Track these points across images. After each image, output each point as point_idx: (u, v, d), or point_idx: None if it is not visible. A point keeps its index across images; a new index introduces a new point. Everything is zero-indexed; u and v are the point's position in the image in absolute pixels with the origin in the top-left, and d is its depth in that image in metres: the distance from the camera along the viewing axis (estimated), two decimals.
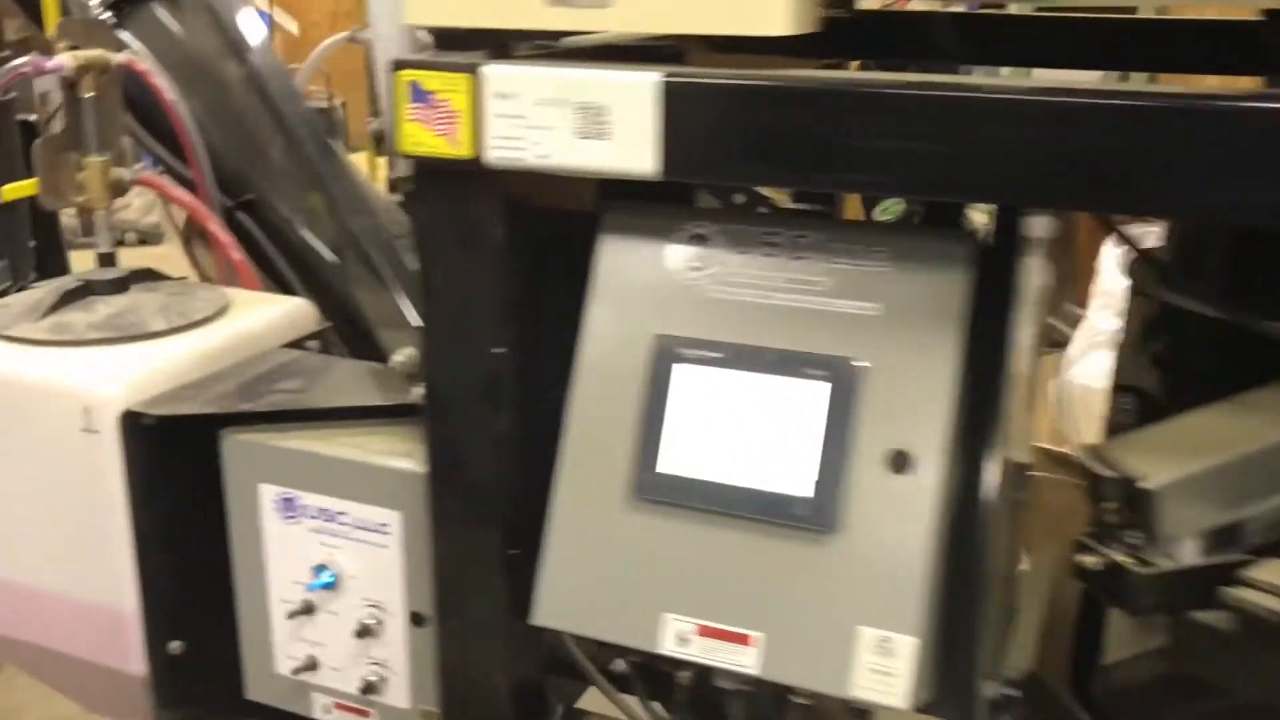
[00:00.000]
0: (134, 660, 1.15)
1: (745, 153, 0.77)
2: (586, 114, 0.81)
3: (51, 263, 2.81)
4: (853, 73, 0.74)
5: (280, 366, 1.21)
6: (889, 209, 4.26)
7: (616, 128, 0.80)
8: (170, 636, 1.15)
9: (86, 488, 1.10)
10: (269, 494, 1.10)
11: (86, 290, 1.21)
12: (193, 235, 4.35)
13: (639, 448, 0.88)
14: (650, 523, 0.88)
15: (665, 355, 0.88)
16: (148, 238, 6.12)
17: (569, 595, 0.91)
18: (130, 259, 1.37)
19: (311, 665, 1.13)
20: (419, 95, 0.85)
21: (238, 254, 1.40)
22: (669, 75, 0.79)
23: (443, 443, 0.95)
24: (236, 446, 1.10)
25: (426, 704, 1.10)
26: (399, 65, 0.85)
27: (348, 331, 1.37)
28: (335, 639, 1.12)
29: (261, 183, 1.48)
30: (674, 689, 0.95)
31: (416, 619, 1.08)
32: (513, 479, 0.94)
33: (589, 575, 0.90)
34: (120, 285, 1.23)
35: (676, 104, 0.79)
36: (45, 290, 1.24)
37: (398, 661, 1.10)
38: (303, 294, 1.48)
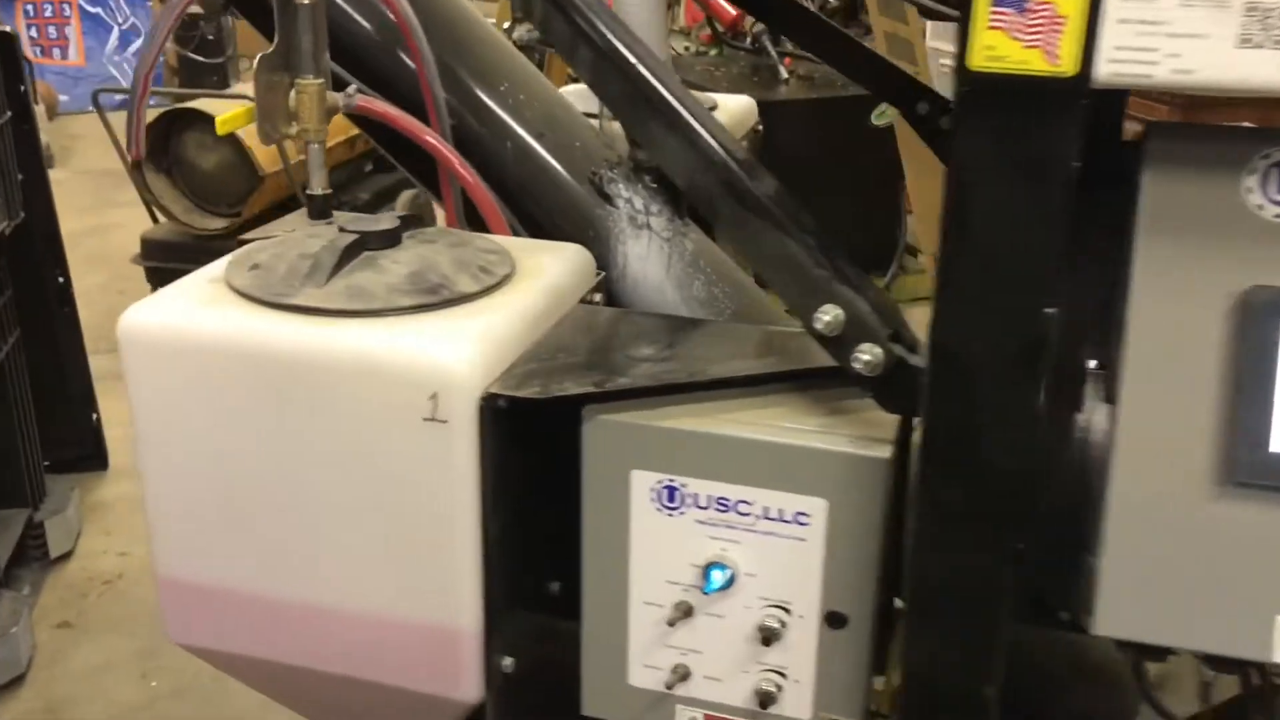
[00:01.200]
0: (465, 684, 0.97)
1: None
2: (1258, 18, 0.65)
3: (36, 198, 2.49)
4: None
5: (608, 326, 1.02)
6: (885, 114, 4.15)
7: None
8: (503, 653, 0.98)
9: (426, 489, 0.91)
10: (644, 482, 0.93)
11: (362, 244, 0.99)
12: (143, 163, 3.94)
13: (1235, 424, 0.74)
14: (1256, 512, 0.74)
15: (1267, 311, 0.74)
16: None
17: (1142, 600, 0.77)
18: None
19: (683, 675, 0.97)
20: None
21: (471, 176, 1.17)
22: None
23: (951, 421, 0.79)
24: (605, 429, 0.92)
25: (833, 712, 0.95)
26: None
27: None
28: (718, 645, 0.95)
29: (489, 103, 1.26)
30: None
31: (836, 620, 0.92)
32: (1033, 464, 0.79)
33: (1167, 576, 0.76)
34: (395, 237, 1.01)
35: None
36: (306, 244, 1.00)
37: (802, 668, 0.94)
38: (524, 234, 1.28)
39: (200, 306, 0.94)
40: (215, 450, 0.93)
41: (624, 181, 1.32)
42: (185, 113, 3.48)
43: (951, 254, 0.75)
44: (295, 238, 1.04)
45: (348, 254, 0.97)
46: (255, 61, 1.06)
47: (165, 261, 3.65)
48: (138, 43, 7.17)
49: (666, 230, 1.32)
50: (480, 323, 0.92)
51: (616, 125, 1.56)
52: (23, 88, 2.32)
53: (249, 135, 3.49)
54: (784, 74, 4.07)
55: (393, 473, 0.91)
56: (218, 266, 1.01)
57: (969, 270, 0.75)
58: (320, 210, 1.13)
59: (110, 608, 2.39)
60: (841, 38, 1.51)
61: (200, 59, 6.92)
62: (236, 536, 0.96)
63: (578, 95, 1.59)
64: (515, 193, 1.29)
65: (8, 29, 2.23)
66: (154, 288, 4.05)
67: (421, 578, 0.94)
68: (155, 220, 3.71)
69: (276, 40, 1.08)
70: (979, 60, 0.69)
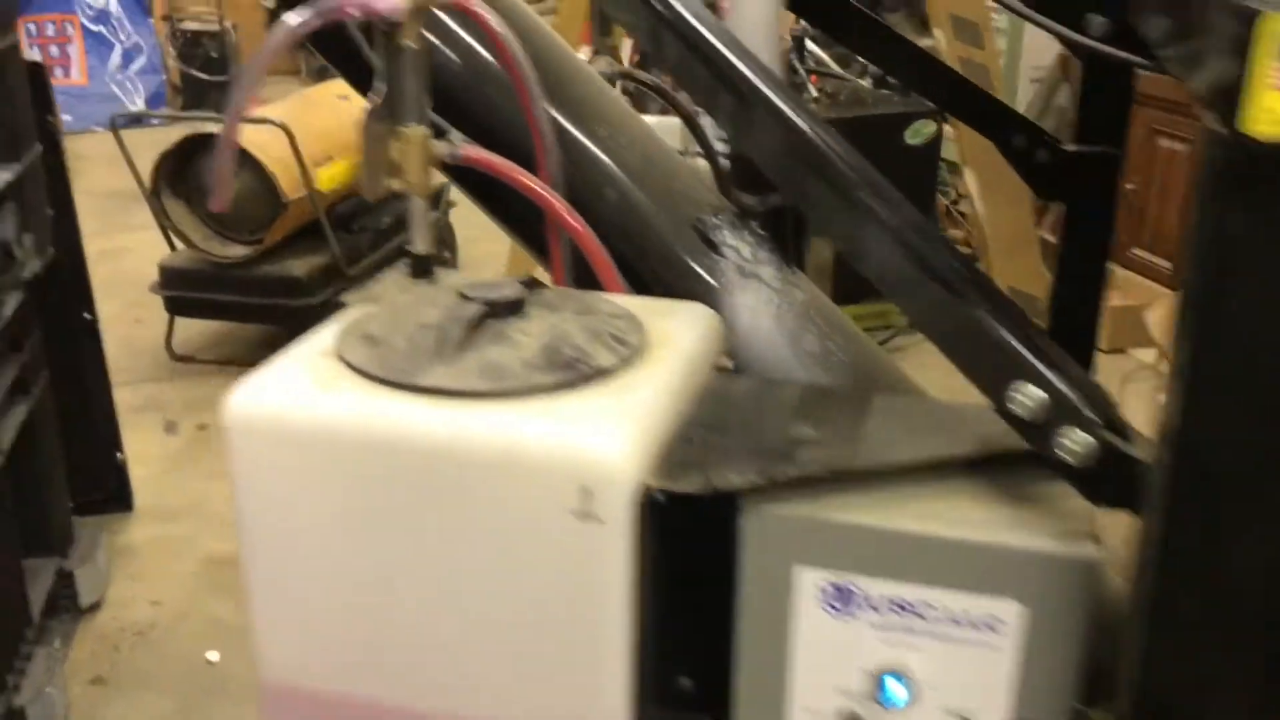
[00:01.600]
0: None
1: None
2: None
3: (64, 232, 2.39)
4: None
5: (752, 399, 0.93)
6: (920, 132, 4.06)
7: None
8: None
9: (573, 590, 0.81)
10: (811, 581, 0.83)
11: (489, 314, 0.90)
12: (161, 189, 3.84)
13: None
14: None
15: None
16: None
17: None
18: None
19: None
20: None
21: (584, 229, 1.08)
22: None
23: (1193, 524, 0.70)
24: (769, 522, 0.83)
25: None
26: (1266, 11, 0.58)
27: None
28: None
29: (590, 147, 1.18)
30: None
31: None
32: None
33: None
34: (520, 304, 0.92)
35: None
36: (422, 312, 0.91)
37: None
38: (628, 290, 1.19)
39: (319, 389, 0.84)
40: (338, 549, 0.84)
41: (729, 228, 1.23)
42: (205, 137, 3.39)
43: (1203, 342, 0.66)
44: (407, 304, 0.95)
45: (475, 325, 0.88)
46: (363, 114, 0.97)
47: (184, 290, 3.56)
48: (140, 61, 7.07)
49: (776, 280, 1.23)
50: (628, 404, 0.83)
51: (702, 161, 1.47)
52: (50, 118, 2.22)
53: (271, 160, 3.40)
54: (812, 92, 3.99)
55: (536, 572, 0.81)
56: (325, 338, 0.92)
57: (1226, 361, 0.66)
58: (423, 269, 1.05)
59: (143, 661, 2.29)
60: (932, 64, 1.42)
61: (204, 76, 6.83)
62: (358, 641, 0.86)
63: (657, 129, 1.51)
64: (616, 243, 1.20)
65: (37, 59, 2.14)
66: (172, 316, 3.94)
67: (563, 686, 0.84)
68: (172, 247, 3.62)
69: (386, 90, 0.99)
70: (1260, 126, 0.61)
